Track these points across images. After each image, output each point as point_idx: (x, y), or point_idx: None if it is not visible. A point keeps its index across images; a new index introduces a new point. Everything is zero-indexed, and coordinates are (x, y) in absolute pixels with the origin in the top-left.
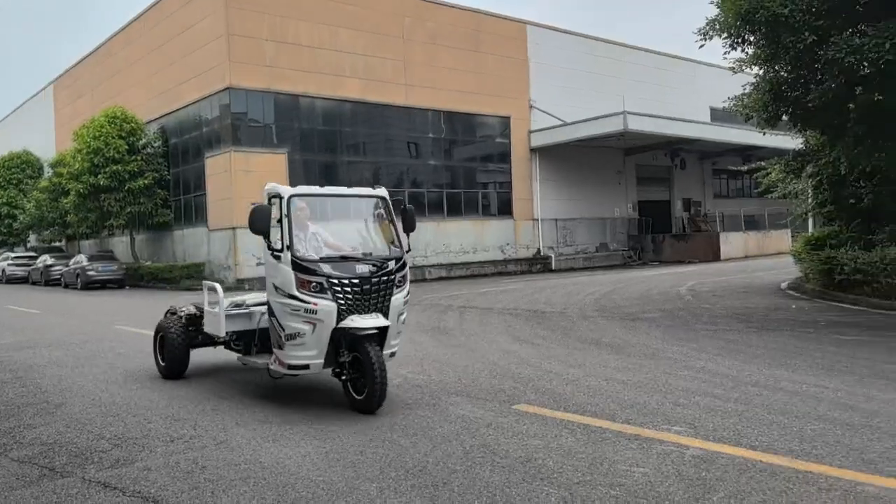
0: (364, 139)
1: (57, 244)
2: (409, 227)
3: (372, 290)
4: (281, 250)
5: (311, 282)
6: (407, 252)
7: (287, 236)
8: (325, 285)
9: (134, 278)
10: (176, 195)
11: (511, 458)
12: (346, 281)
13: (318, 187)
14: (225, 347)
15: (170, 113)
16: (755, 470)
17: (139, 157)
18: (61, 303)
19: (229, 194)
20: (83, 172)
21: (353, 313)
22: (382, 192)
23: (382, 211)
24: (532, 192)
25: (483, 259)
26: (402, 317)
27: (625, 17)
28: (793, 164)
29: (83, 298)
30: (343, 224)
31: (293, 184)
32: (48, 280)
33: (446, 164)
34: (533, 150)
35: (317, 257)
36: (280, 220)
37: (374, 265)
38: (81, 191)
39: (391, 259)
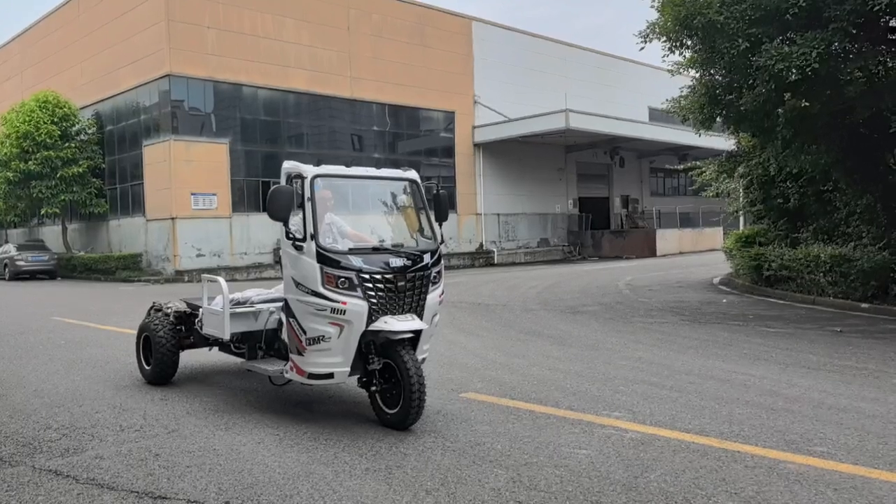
0: (307, 131)
1: None
2: (442, 216)
3: (407, 287)
4: (303, 240)
5: (339, 277)
6: (441, 244)
7: (311, 223)
8: (356, 281)
9: (66, 269)
10: (111, 184)
11: (461, 442)
12: (378, 276)
13: (343, 167)
14: (221, 350)
15: (105, 99)
16: (688, 451)
17: (72, 144)
18: None
19: (168, 184)
20: (12, 158)
21: (386, 313)
22: (413, 174)
23: (413, 196)
24: (475, 186)
25: None
26: (436, 318)
27: (571, 13)
28: (726, 164)
29: (13, 289)
30: (368, 210)
31: (234, 174)
32: None
33: (390, 157)
34: (477, 146)
35: (345, 248)
36: (301, 205)
37: (408, 258)
38: (11, 177)
39: (426, 252)
